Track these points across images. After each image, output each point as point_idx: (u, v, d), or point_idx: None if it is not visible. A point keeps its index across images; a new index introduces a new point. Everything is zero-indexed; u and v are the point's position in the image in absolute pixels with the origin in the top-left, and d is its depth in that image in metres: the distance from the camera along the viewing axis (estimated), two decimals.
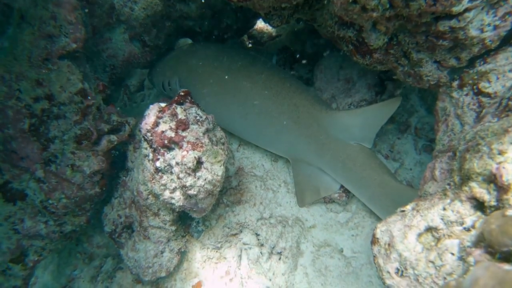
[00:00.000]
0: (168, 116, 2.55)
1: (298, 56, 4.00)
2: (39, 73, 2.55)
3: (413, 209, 1.66)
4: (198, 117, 2.57)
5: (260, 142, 3.40)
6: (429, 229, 1.52)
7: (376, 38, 2.21)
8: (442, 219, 1.51)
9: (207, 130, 2.61)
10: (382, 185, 2.87)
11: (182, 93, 2.72)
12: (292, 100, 3.06)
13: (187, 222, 3.27)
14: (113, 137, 2.98)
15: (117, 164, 3.38)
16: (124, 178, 3.27)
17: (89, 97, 2.75)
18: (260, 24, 4.50)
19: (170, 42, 4.23)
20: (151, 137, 2.56)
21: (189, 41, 4.70)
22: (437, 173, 1.83)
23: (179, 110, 2.55)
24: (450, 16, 1.91)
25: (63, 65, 2.62)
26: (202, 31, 4.03)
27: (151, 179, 2.66)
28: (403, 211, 1.71)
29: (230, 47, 3.63)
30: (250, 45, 4.63)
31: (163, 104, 2.66)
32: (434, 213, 1.54)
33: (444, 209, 1.52)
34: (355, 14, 1.94)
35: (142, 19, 3.67)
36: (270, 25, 2.66)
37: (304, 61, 4.00)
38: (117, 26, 3.70)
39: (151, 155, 2.62)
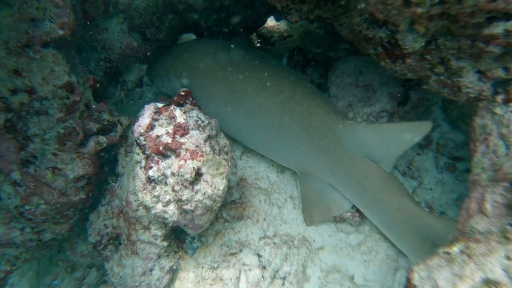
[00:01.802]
0: (165, 119, 2.22)
1: (310, 58, 3.68)
2: (18, 61, 2.21)
3: (462, 252, 1.33)
4: (199, 122, 2.24)
5: (267, 151, 3.06)
6: (488, 282, 1.20)
7: (413, 41, 1.89)
8: (505, 270, 1.18)
9: (209, 137, 2.28)
10: (401, 210, 2.55)
11: (183, 93, 2.39)
12: (305, 106, 2.73)
13: (181, 236, 2.93)
14: (102, 139, 2.64)
15: (107, 167, 3.04)
16: (113, 184, 2.93)
17: (76, 92, 2.42)
18: (271, 23, 4.17)
19: (172, 37, 3.90)
20: (145, 142, 2.22)
21: (193, 36, 4.37)
22: (488, 206, 1.51)
23: (178, 112, 2.22)
24: (508, 16, 1.59)
25: (47, 54, 2.28)
26: (207, 26, 3.71)
27: (142, 189, 2.33)
28: (448, 253, 1.38)
29: (237, 45, 3.31)
30: (258, 45, 4.31)
31: (160, 104, 2.33)
32: (493, 261, 1.21)
33: (508, 257, 1.19)
34: (395, 10, 1.62)
35: (142, 9, 3.34)
36: (287, 20, 2.34)
37: (317, 64, 3.68)
38: (115, 16, 3.36)
39: (143, 162, 2.29)
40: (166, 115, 2.22)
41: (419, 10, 1.56)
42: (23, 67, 2.23)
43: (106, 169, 3.04)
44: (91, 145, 2.59)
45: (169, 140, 2.17)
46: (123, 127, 2.82)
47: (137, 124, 2.23)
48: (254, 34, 4.21)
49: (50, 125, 2.42)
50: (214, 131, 2.33)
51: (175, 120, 2.20)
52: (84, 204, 2.87)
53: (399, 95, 2.86)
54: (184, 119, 2.21)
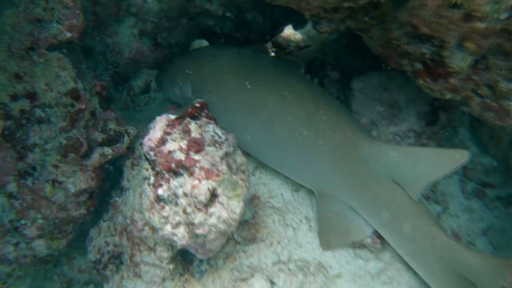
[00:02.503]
0: (179, 133, 2.02)
1: (329, 70, 3.50)
2: (20, 65, 2.03)
3: None
4: (216, 137, 2.04)
5: (283, 168, 2.86)
6: None
7: (461, 59, 1.70)
8: None
9: (226, 155, 2.07)
10: (430, 239, 2.34)
11: (198, 104, 2.20)
12: (329, 123, 2.53)
13: (188, 257, 2.71)
14: (108, 150, 2.44)
15: (111, 179, 2.84)
16: (117, 198, 2.73)
17: (82, 100, 2.23)
18: (287, 31, 3.99)
19: (184, 42, 3.72)
20: (155, 157, 2.02)
21: (205, 43, 4.20)
22: None
23: (193, 126, 2.02)
24: None
25: (52, 58, 2.10)
26: (222, 33, 3.53)
27: (149, 208, 2.12)
28: None
29: (254, 53, 3.13)
30: (272, 54, 4.13)
31: (173, 117, 2.13)
32: None
33: None
34: (452, 24, 1.42)
35: (155, 13, 3.17)
36: (317, 31, 2.15)
37: (336, 76, 3.50)
38: (126, 19, 3.19)
39: (152, 179, 2.09)
40: (179, 128, 2.02)
41: (481, 25, 1.37)
42: (25, 71, 2.04)
43: (109, 181, 2.83)
44: (96, 157, 2.39)
45: (182, 156, 1.97)
46: (130, 138, 2.62)
47: (147, 137, 2.03)
48: (270, 42, 4.03)
49: (52, 134, 2.22)
50: (232, 147, 2.13)
51: (189, 135, 2.00)
52: (85, 219, 2.66)
53: (427, 114, 2.67)
54: (199, 134, 2.01)
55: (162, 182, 2.02)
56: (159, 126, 2.03)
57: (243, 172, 2.17)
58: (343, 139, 2.52)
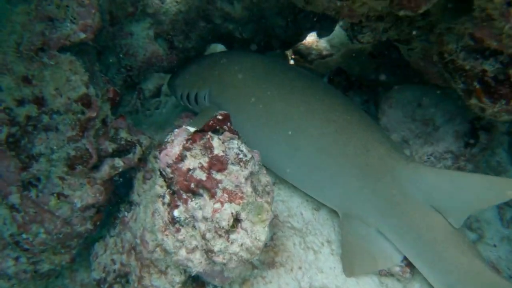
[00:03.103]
0: (200, 149, 1.81)
1: (354, 81, 3.29)
2: (29, 67, 1.84)
3: None
4: (240, 155, 1.83)
5: (307, 186, 2.64)
6: None
7: None
8: None
9: (251, 174, 1.87)
10: (471, 273, 2.11)
11: (220, 117, 1.99)
12: (361, 140, 2.32)
13: (200, 280, 2.50)
14: (119, 162, 2.25)
15: (119, 190, 2.64)
16: (125, 213, 2.52)
17: (93, 107, 2.03)
18: (309, 38, 3.78)
19: (201, 46, 3.54)
20: (172, 175, 1.82)
21: (222, 48, 4.01)
22: None
23: (216, 142, 1.82)
24: None
25: (64, 60, 1.91)
26: (241, 38, 3.33)
27: (163, 230, 1.92)
28: None
29: (276, 60, 2.93)
30: (292, 62, 3.92)
31: (192, 129, 1.93)
32: None
33: None
34: None
35: (173, 15, 2.99)
36: (356, 40, 1.94)
37: (360, 88, 3.29)
38: (142, 19, 3.01)
39: (167, 198, 1.88)
40: (201, 144, 1.82)
41: None
42: (34, 74, 1.85)
43: (118, 192, 2.64)
44: (105, 169, 2.19)
45: (203, 176, 1.77)
46: (142, 149, 2.42)
47: (164, 152, 1.83)
48: (290, 50, 3.83)
49: (59, 143, 2.03)
50: (257, 166, 1.92)
51: (211, 152, 1.80)
52: (90, 233, 2.47)
53: (466, 134, 2.45)
54: (223, 151, 1.81)
55: (179, 203, 1.82)
56: (178, 140, 1.83)
57: (268, 193, 1.96)
58: (376, 158, 2.30)
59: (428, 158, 2.48)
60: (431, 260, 2.25)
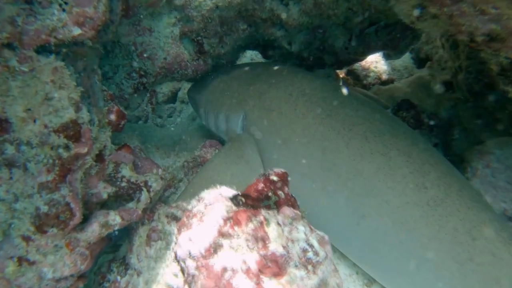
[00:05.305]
0: (245, 238, 1.10)
1: (425, 120, 2.58)
2: None
3: None
4: (309, 253, 1.12)
5: (371, 267, 1.91)
6: None
7: None
8: None
9: (321, 284, 1.15)
10: None
11: (275, 177, 1.29)
12: (465, 222, 1.60)
13: None
14: (115, 219, 1.53)
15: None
16: (118, 278, 1.81)
17: (83, 140, 1.33)
18: (369, 58, 3.03)
19: (235, 54, 2.84)
20: (195, 272, 1.11)
21: (258, 57, 3.30)
22: None
23: (272, 229, 1.11)
24: None
25: (44, 67, 1.21)
26: (287, 49, 2.62)
27: None
28: None
29: (331, 81, 2.22)
30: (341, 83, 3.20)
31: (230, 193, 1.22)
32: None
33: None
34: None
35: (207, 11, 2.28)
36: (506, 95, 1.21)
37: (431, 130, 2.58)
38: (166, 13, 2.31)
39: None
40: (248, 231, 1.10)
41: None
42: None
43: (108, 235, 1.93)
44: (94, 229, 1.48)
45: (249, 285, 1.06)
46: (150, 195, 1.71)
47: (187, 235, 1.13)
48: (343, 69, 3.11)
49: (26, 190, 1.33)
50: (330, 267, 1.21)
51: (265, 246, 1.09)
52: None
53: None
54: (282, 246, 1.09)
55: None
56: (211, 218, 1.12)
57: None
58: (485, 249, 1.58)
59: None
60: None
